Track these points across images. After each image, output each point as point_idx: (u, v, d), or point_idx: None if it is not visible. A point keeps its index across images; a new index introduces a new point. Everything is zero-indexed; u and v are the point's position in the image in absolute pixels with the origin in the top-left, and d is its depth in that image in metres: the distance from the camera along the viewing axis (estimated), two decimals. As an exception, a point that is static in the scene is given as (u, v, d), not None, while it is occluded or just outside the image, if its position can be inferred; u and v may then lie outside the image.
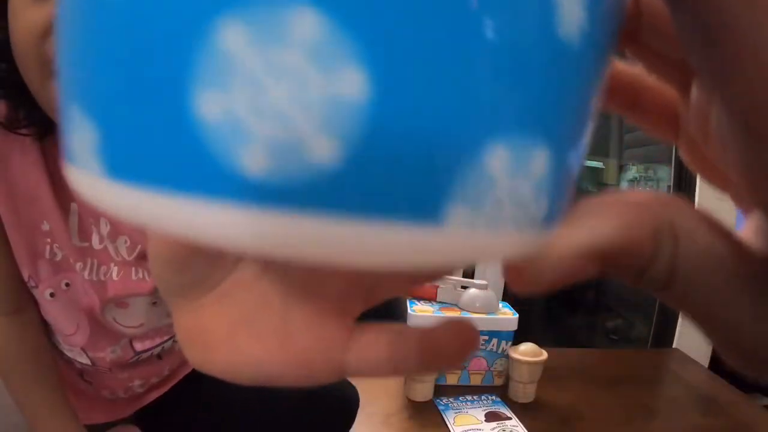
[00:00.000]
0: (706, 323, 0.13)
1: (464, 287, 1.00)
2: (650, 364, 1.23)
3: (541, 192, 0.11)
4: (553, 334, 1.98)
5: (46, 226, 0.65)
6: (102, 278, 0.68)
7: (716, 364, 1.38)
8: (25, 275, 0.66)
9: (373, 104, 0.09)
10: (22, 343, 0.68)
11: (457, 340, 0.16)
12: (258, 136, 0.08)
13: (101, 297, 0.68)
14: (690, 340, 1.46)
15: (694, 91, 0.15)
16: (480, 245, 0.10)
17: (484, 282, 0.99)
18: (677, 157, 1.55)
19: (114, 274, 0.69)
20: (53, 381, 0.70)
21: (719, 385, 1.10)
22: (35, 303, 0.69)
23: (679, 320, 1.51)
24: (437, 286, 1.00)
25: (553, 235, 0.12)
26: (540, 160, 0.10)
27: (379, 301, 0.18)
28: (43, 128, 0.61)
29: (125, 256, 0.69)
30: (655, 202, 0.13)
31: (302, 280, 0.18)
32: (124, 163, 0.10)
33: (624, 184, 2.01)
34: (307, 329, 0.17)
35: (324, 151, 0.09)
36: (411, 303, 0.99)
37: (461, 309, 0.98)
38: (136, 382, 0.78)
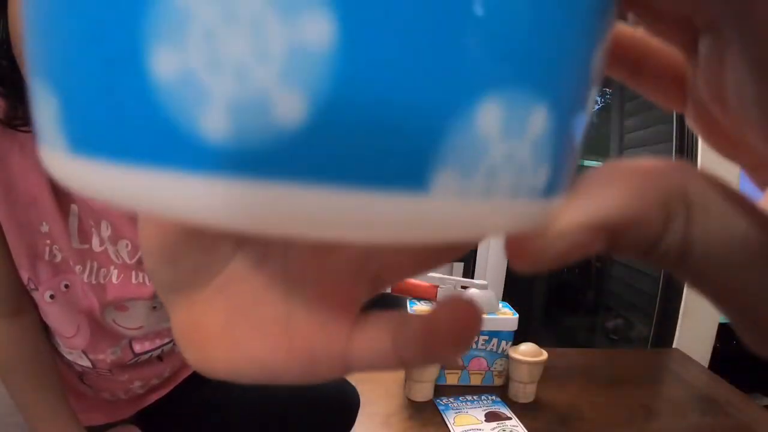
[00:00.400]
0: (723, 302, 0.12)
1: (464, 287, 1.00)
2: (650, 364, 1.23)
3: (540, 156, 0.10)
4: (553, 334, 1.98)
5: (45, 228, 0.65)
6: (101, 281, 0.68)
7: (716, 364, 1.38)
8: (25, 278, 0.66)
9: (341, 54, 0.08)
10: (21, 345, 0.68)
11: (458, 320, 0.14)
12: (217, 94, 0.08)
13: (100, 300, 0.68)
14: (690, 340, 1.46)
15: (703, 49, 0.14)
16: (473, 216, 0.09)
17: (484, 282, 0.99)
18: (677, 157, 1.55)
19: (114, 277, 0.68)
20: (53, 382, 0.70)
21: (719, 385, 1.10)
22: (35, 306, 0.69)
23: (679, 320, 1.51)
24: (437, 286, 1.00)
25: (556, 207, 0.11)
26: (539, 118, 0.09)
27: (387, 286, 0.17)
28: None
29: (126, 259, 0.69)
30: (664, 168, 0.12)
31: (304, 267, 0.17)
32: (85, 135, 0.09)
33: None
34: (309, 318, 0.16)
35: (289, 109, 0.08)
36: (411, 303, 0.99)
37: (461, 309, 0.98)
38: (136, 384, 0.78)
